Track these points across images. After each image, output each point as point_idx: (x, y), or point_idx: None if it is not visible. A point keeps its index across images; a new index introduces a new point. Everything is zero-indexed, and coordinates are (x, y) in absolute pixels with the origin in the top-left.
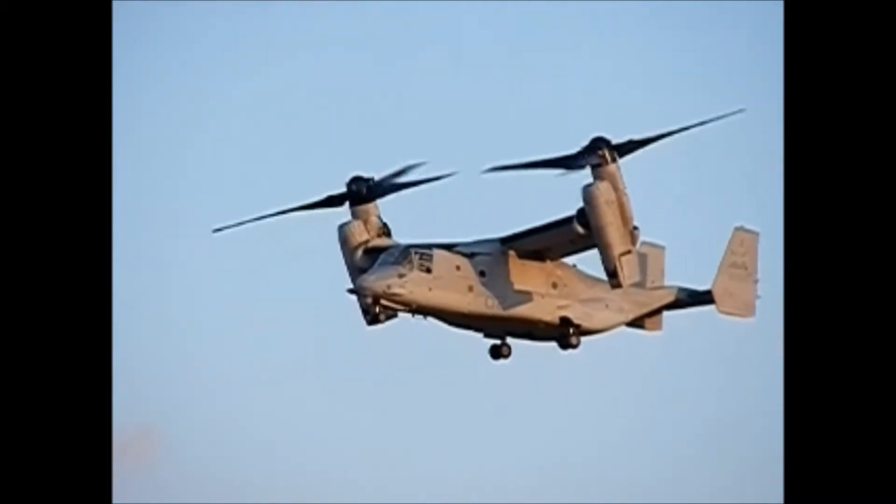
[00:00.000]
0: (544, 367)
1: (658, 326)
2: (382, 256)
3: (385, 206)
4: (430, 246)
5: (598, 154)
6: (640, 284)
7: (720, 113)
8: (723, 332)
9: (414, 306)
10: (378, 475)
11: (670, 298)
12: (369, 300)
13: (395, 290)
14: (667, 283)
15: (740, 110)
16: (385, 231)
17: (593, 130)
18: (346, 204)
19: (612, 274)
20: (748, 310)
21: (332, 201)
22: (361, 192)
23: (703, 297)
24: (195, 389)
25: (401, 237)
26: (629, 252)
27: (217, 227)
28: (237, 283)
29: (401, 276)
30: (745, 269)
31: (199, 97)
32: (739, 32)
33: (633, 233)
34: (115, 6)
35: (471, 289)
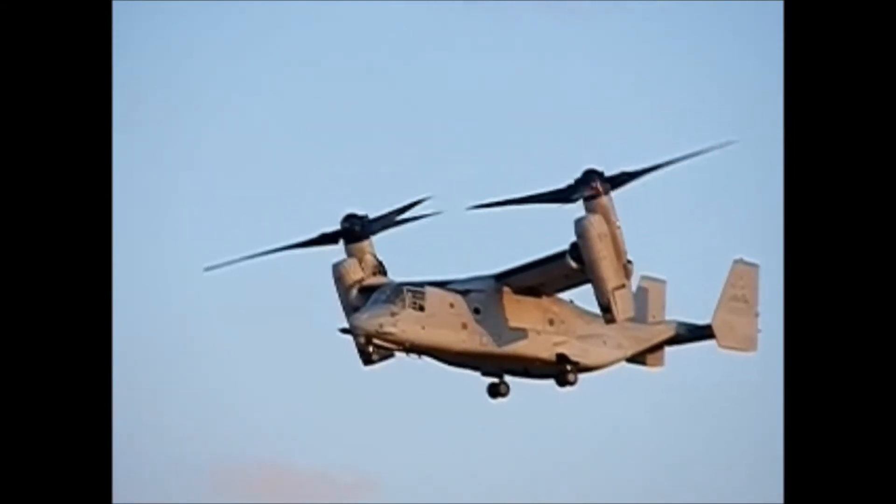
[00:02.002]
0: (543, 406)
1: (659, 362)
2: (375, 295)
3: (380, 244)
4: (423, 283)
5: (590, 186)
6: (641, 319)
7: (713, 143)
8: (725, 368)
9: (407, 345)
10: None
11: (670, 333)
12: (362, 339)
13: (388, 328)
14: (668, 317)
15: (732, 141)
16: (380, 269)
17: (586, 147)
18: (341, 242)
19: (606, 309)
20: (749, 344)
21: (326, 239)
22: (356, 230)
23: (703, 332)
24: (191, 430)
25: (396, 275)
26: (623, 286)
27: (208, 265)
28: (229, 323)
29: (393, 314)
30: (746, 302)
31: (199, 102)
32: (739, 32)
33: (626, 266)
34: (115, 6)
35: (465, 326)
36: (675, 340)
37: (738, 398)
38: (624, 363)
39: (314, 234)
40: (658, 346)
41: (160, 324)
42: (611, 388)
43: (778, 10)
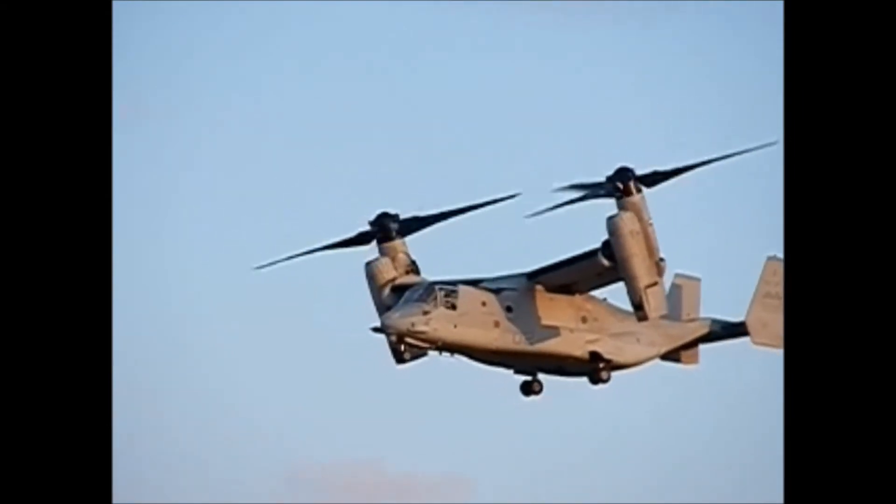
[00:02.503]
0: (576, 403)
1: (694, 360)
2: (407, 294)
3: (413, 243)
4: (455, 282)
5: (622, 184)
6: (675, 317)
7: (754, 144)
8: (760, 365)
9: (439, 344)
10: None
11: (704, 331)
12: (394, 338)
13: (420, 327)
14: (703, 315)
15: (772, 143)
16: (413, 268)
17: (586, 146)
18: (374, 241)
19: (638, 306)
20: (783, 340)
21: (359, 239)
22: (389, 229)
23: (737, 329)
24: (220, 433)
25: (430, 274)
26: (655, 284)
27: (258, 265)
28: (265, 323)
29: (425, 313)
30: (780, 298)
31: (199, 102)
32: (739, 32)
33: (658, 264)
34: (115, 6)
35: (497, 325)
36: (709, 338)
37: (771, 395)
38: (658, 360)
39: (349, 235)
40: (692, 344)
41: (161, 324)
42: (644, 385)
43: (778, 10)
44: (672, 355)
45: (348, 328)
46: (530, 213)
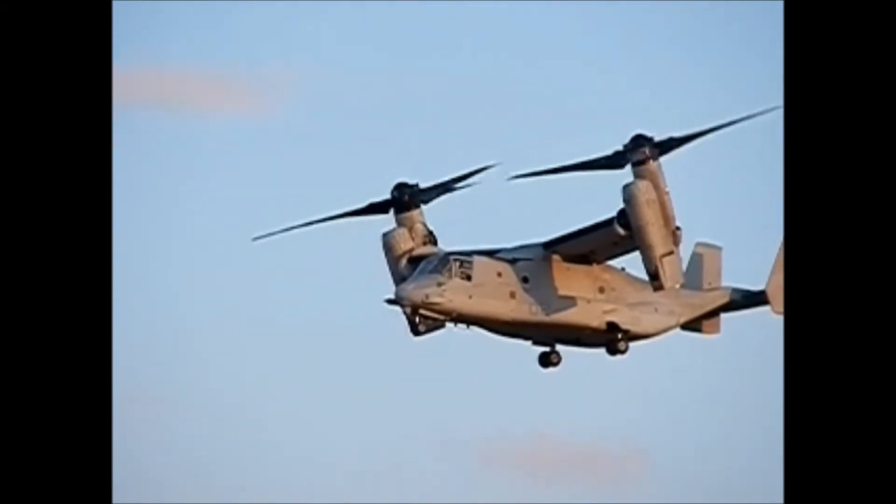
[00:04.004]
0: (595, 374)
1: (716, 329)
2: (422, 265)
3: (431, 213)
4: (471, 253)
5: (639, 151)
6: (695, 286)
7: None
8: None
9: (454, 315)
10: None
11: (724, 300)
12: (408, 310)
13: (434, 298)
14: (725, 284)
15: (776, 107)
16: (431, 239)
17: (586, 145)
18: (391, 211)
19: (654, 276)
20: None
21: (376, 208)
22: (405, 199)
23: (758, 298)
24: (237, 403)
25: (447, 244)
26: (671, 253)
27: (257, 235)
28: (279, 293)
29: (439, 284)
30: None
31: (199, 101)
32: (739, 32)
33: (675, 233)
34: (115, 6)
35: (513, 295)
36: (729, 307)
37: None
38: (678, 330)
39: (364, 204)
40: (713, 313)
41: (160, 324)
42: (663, 355)
43: (778, 10)
44: (693, 325)
45: (366, 299)
46: (513, 175)
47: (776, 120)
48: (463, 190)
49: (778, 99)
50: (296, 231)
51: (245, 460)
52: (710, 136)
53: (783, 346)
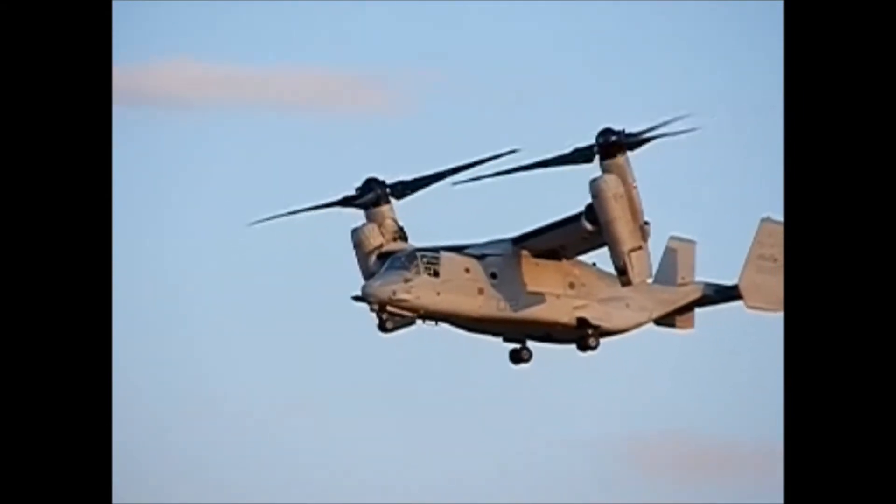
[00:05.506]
0: (566, 371)
1: (689, 324)
2: (389, 261)
3: (401, 209)
4: (438, 249)
5: (605, 145)
6: (669, 281)
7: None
8: (757, 329)
9: (422, 312)
10: (398, 481)
11: (696, 295)
12: (375, 307)
13: (401, 295)
14: (699, 278)
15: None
16: (401, 234)
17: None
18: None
19: (622, 271)
20: (778, 303)
21: (346, 202)
22: (376, 195)
23: (731, 293)
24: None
25: (418, 241)
26: (639, 248)
27: (253, 221)
28: (249, 285)
29: (406, 280)
30: (775, 260)
31: (199, 101)
32: (739, 32)
33: (643, 228)
34: (115, 6)
35: (481, 291)
36: (703, 302)
37: (767, 359)
38: (652, 325)
39: (335, 198)
40: (687, 308)
41: (160, 324)
42: (634, 351)
43: (778, 10)
44: (666, 320)
45: (333, 295)
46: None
47: (746, 115)
48: (435, 185)
49: (778, 99)
50: (274, 220)
51: (245, 460)
52: (683, 135)
53: (783, 346)
